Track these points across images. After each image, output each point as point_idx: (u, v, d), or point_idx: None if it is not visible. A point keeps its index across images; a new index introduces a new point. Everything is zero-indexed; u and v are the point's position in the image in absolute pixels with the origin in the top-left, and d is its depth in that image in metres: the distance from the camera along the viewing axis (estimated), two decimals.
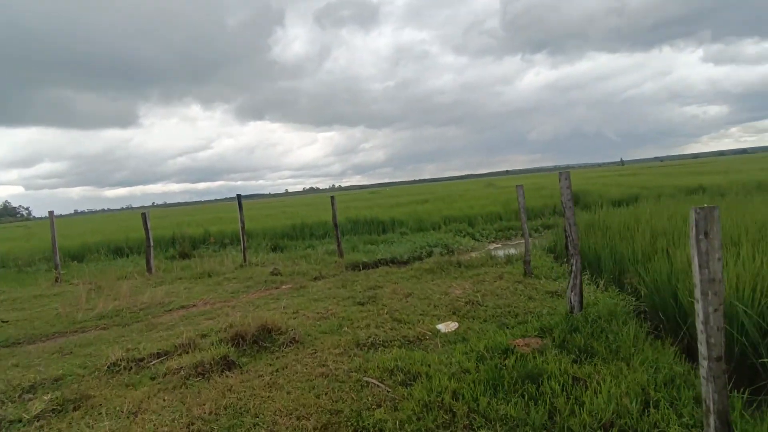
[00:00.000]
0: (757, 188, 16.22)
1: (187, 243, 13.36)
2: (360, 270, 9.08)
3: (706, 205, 2.12)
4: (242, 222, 10.44)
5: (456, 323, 5.02)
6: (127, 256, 13.33)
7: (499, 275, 6.96)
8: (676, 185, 18.16)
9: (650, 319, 4.70)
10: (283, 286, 7.90)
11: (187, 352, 4.47)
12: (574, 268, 4.54)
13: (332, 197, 10.28)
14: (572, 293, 4.59)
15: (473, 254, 10.47)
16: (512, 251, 10.25)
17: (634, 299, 5.22)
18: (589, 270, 6.63)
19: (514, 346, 4.24)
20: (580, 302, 4.59)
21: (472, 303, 5.64)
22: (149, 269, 9.82)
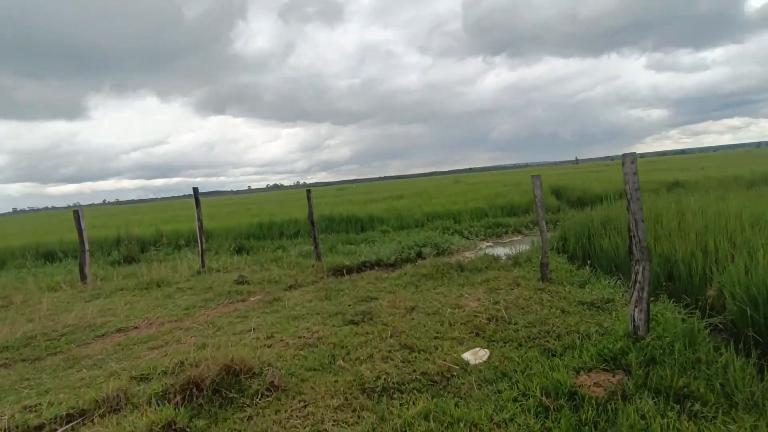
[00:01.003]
0: (735, 183, 16.08)
1: (134, 245, 11.54)
2: (343, 275, 7.77)
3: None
4: (200, 220, 8.87)
5: (485, 350, 3.84)
6: (60, 261, 11.37)
7: (514, 281, 5.84)
8: (654, 180, 17.81)
9: (739, 340, 3.68)
10: (252, 298, 6.49)
11: (115, 411, 3.05)
12: (640, 276, 3.45)
13: (308, 191, 8.89)
14: (636, 309, 3.51)
15: (468, 254, 9.38)
16: (510, 251, 9.23)
17: (696, 311, 4.20)
18: (619, 274, 5.61)
19: (580, 386, 3.11)
20: (647, 321, 3.52)
21: (496, 319, 4.47)
22: (83, 278, 8.10)
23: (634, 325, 3.52)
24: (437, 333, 4.26)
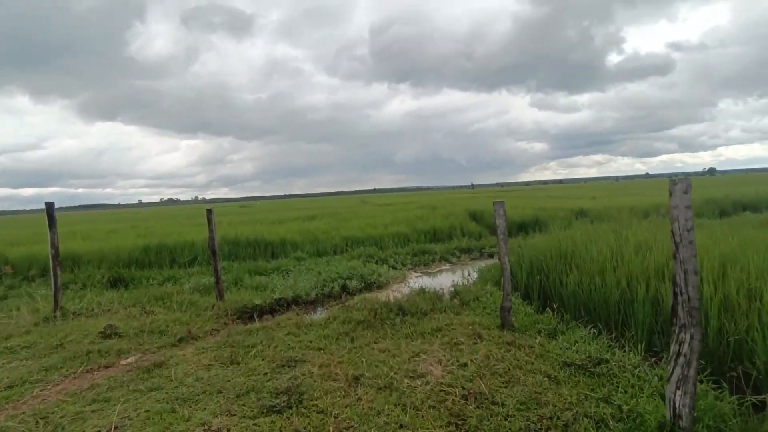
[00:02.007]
0: (631, 212, 17.42)
1: None
2: (254, 320, 6.19)
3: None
4: (54, 247, 6.58)
5: None
6: None
7: (474, 331, 4.83)
8: (563, 208, 18.66)
9: None
10: (122, 362, 4.63)
11: None
12: (686, 348, 2.59)
13: (209, 211, 7.10)
14: (679, 391, 2.64)
15: (400, 288, 8.31)
16: (447, 284, 8.37)
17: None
18: (598, 323, 4.89)
19: None
20: (693, 408, 2.67)
21: (476, 397, 3.35)
22: None
23: (674, 413, 2.64)
24: (399, 424, 3.02)
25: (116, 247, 11.63)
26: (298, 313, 6.55)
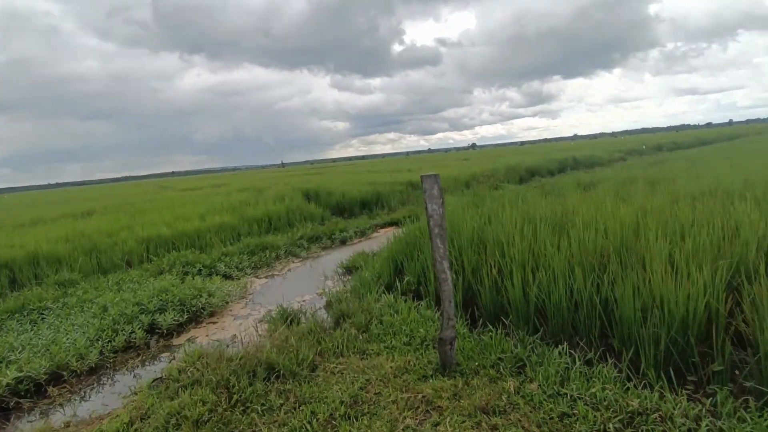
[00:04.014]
0: (456, 182, 17.94)
1: None
2: None
3: None
4: None
5: None
6: None
7: (415, 398, 2.84)
8: (395, 182, 18.02)
9: None
10: None
11: None
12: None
13: None
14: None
15: (244, 311, 5.70)
16: (305, 288, 6.24)
17: None
18: (574, 338, 3.42)
19: None
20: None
21: None
22: None
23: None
24: None
25: None
26: (57, 411, 3.43)
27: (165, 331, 5.18)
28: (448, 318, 3.17)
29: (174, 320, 5.31)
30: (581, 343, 3.08)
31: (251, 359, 3.52)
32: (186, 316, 5.49)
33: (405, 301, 4.47)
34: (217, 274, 7.23)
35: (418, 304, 4.40)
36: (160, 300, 5.65)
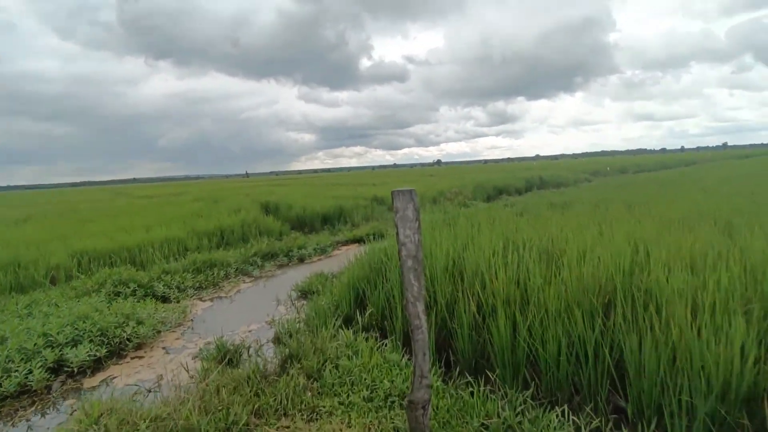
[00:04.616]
0: (423, 199, 17.45)
1: None
2: None
3: None
4: None
5: None
6: None
7: None
8: (360, 196, 17.30)
9: None
10: None
11: None
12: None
13: None
14: None
15: (177, 343, 4.83)
16: (254, 315, 5.47)
17: None
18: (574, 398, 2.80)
19: None
20: None
21: None
22: None
23: None
24: None
25: None
26: None
27: (76, 369, 4.25)
28: (421, 376, 2.49)
29: (90, 355, 4.38)
30: (587, 408, 2.46)
31: (167, 422, 2.71)
32: (106, 350, 4.56)
33: (366, 339, 3.76)
34: (153, 296, 6.27)
35: (382, 344, 3.70)
36: (75, 329, 4.71)
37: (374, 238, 11.09)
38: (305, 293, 6.31)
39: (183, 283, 6.96)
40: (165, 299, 6.35)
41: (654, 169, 36.62)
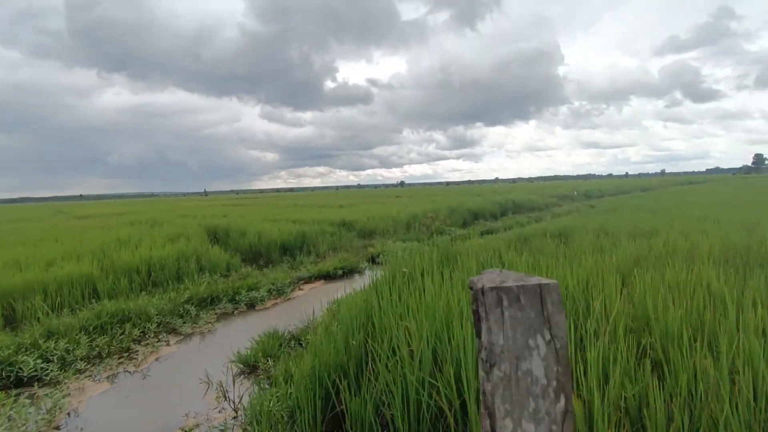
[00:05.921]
0: (396, 223, 15.85)
1: None
2: None
3: None
4: None
5: None
6: None
7: None
8: (325, 220, 15.41)
9: None
10: None
11: None
12: None
13: None
14: None
15: None
16: (173, 418, 3.53)
17: None
18: None
19: None
20: None
21: None
22: None
23: None
24: None
25: None
26: None
27: None
28: None
29: None
30: None
31: None
32: None
33: None
34: (15, 379, 4.18)
35: None
36: None
37: (344, 274, 9.31)
38: (250, 367, 4.44)
39: (73, 351, 4.87)
40: (35, 383, 4.26)
41: (615, 194, 37.03)
